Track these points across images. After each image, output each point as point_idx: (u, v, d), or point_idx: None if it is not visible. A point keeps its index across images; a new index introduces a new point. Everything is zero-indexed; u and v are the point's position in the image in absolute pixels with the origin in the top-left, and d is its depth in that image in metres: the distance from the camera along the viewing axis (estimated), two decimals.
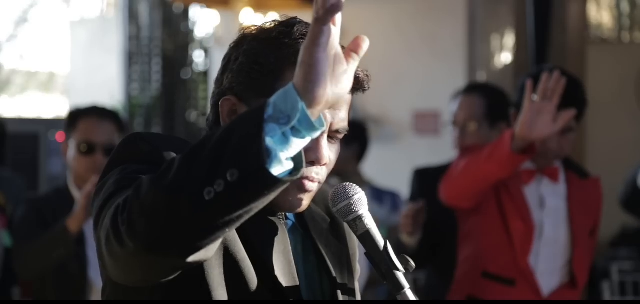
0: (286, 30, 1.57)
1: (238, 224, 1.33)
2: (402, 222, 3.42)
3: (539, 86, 2.84)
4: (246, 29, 1.62)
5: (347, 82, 1.33)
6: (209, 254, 1.37)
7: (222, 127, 1.33)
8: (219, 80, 1.62)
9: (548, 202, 3.15)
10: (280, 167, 1.29)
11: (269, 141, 1.27)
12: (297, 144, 1.31)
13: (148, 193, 1.31)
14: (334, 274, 1.67)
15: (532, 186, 3.14)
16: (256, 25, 1.62)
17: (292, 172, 1.31)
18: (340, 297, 1.66)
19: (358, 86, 1.56)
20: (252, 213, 1.32)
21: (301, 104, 1.28)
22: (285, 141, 1.29)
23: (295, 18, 1.60)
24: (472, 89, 3.83)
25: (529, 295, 3.10)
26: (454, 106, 3.73)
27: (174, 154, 1.47)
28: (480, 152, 3.05)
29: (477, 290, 3.17)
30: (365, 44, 1.35)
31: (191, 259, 1.34)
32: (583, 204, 3.19)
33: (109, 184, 1.45)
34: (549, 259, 3.12)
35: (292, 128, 1.29)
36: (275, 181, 1.28)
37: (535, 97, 2.84)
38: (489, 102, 3.63)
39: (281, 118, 1.28)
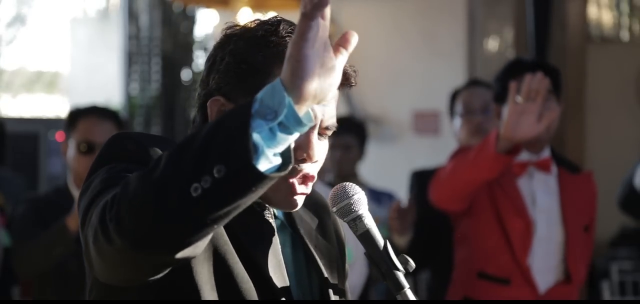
0: (272, 28, 1.57)
1: (226, 220, 1.32)
2: (390, 223, 3.43)
3: (523, 87, 2.85)
4: (229, 28, 1.62)
5: (335, 77, 1.33)
6: (197, 251, 1.37)
7: (209, 124, 1.32)
8: (204, 81, 1.61)
9: (539, 200, 3.15)
10: (267, 163, 1.28)
11: (256, 137, 1.27)
12: (285, 140, 1.30)
13: (136, 189, 1.30)
14: (325, 274, 1.66)
15: (524, 181, 3.15)
16: (239, 25, 1.62)
17: (280, 168, 1.30)
18: (332, 297, 1.66)
19: (346, 81, 1.55)
20: (239, 209, 1.31)
21: (288, 100, 1.28)
22: (272, 137, 1.28)
23: (280, 17, 1.60)
24: (477, 82, 3.90)
25: (524, 294, 3.10)
26: (464, 97, 3.76)
27: (161, 153, 1.47)
28: (466, 154, 3.07)
29: (473, 291, 3.17)
30: (354, 39, 1.35)
31: (178, 256, 1.33)
32: (576, 200, 3.19)
33: (95, 183, 1.44)
34: (543, 257, 3.13)
35: (280, 124, 1.28)
36: (262, 177, 1.27)
37: (519, 99, 2.86)
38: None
39: (268, 113, 1.28)
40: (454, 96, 3.91)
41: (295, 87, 1.28)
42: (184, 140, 1.32)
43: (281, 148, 1.30)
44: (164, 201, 1.28)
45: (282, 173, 1.30)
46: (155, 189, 1.29)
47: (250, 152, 1.26)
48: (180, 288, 1.48)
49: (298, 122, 1.29)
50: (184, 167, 1.28)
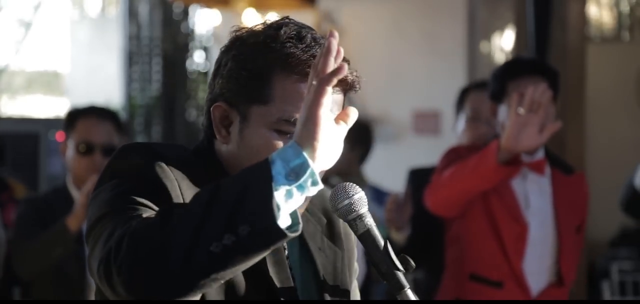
0: (273, 33, 1.57)
1: (234, 274, 1.37)
2: (386, 217, 3.41)
3: (525, 99, 2.84)
4: (237, 31, 1.62)
5: (338, 144, 1.41)
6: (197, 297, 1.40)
7: (229, 182, 1.36)
8: (211, 85, 1.63)
9: (533, 202, 3.12)
10: (282, 221, 1.34)
11: (277, 196, 1.32)
12: (298, 200, 1.36)
13: (145, 242, 1.33)
14: (322, 277, 1.67)
15: (517, 182, 3.12)
16: (245, 28, 1.62)
17: (292, 228, 1.36)
18: (327, 299, 1.66)
19: (350, 87, 1.59)
20: (247, 266, 1.36)
21: (311, 165, 1.35)
22: (289, 196, 1.35)
23: (285, 20, 1.60)
24: (485, 85, 3.86)
25: (517, 297, 3.08)
26: (473, 101, 3.73)
27: (166, 168, 1.49)
28: (465, 163, 3.04)
29: (465, 293, 3.15)
30: (354, 116, 1.45)
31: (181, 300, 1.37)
32: (569, 201, 3.17)
33: (103, 199, 1.46)
34: (536, 260, 3.10)
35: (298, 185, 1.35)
36: (283, 236, 1.33)
37: (521, 110, 2.84)
38: None
39: (289, 174, 1.34)
40: (464, 95, 3.87)
41: (311, 148, 1.36)
42: (200, 196, 1.36)
43: (294, 206, 1.36)
44: (177, 256, 1.31)
45: (296, 234, 1.36)
46: (169, 245, 1.32)
47: (276, 213, 1.32)
48: None
49: (315, 183, 1.37)
50: (205, 224, 1.32)
